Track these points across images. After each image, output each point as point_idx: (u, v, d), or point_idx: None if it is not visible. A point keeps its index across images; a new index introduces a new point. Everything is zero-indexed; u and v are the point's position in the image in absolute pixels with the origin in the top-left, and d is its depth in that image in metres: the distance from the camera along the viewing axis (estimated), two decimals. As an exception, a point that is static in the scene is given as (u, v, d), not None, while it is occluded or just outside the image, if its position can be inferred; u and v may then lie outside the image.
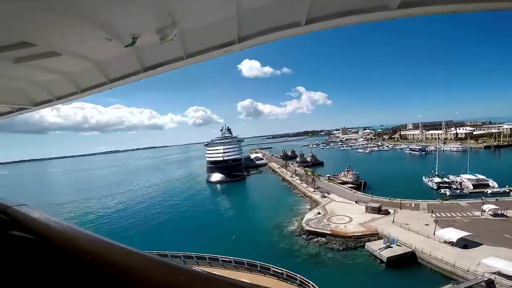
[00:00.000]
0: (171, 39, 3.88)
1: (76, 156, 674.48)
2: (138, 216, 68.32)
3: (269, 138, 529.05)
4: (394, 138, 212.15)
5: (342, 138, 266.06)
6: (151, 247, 30.92)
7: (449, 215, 45.72)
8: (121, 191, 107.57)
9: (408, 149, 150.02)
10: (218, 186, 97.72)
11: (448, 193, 58.72)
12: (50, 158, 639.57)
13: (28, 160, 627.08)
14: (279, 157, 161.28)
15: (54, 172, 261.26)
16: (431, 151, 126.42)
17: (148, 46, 4.64)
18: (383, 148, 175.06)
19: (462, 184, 65.29)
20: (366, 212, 50.31)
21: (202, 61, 5.15)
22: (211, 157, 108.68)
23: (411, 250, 35.03)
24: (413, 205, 52.22)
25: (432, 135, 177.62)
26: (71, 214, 75.52)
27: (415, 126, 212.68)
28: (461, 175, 69.23)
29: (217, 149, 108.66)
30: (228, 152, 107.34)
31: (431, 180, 69.54)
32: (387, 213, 48.83)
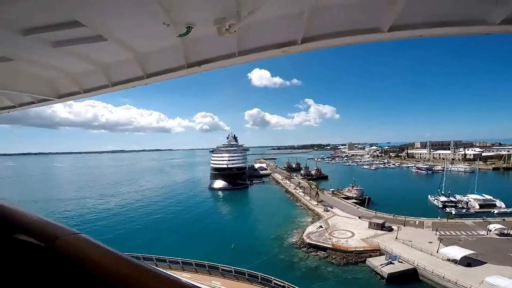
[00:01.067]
0: (234, 31, 3.62)
1: (83, 152, 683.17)
2: (138, 218, 68.14)
3: (274, 149, 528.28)
4: (401, 156, 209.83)
5: (348, 154, 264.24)
6: (149, 251, 30.63)
7: (453, 233, 45.19)
8: (124, 191, 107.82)
9: (414, 167, 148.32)
10: (220, 193, 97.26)
11: (453, 212, 58.15)
12: (57, 153, 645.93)
13: (36, 153, 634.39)
14: (283, 168, 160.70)
15: (59, 167, 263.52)
16: (438, 170, 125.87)
17: (198, 38, 4.38)
18: (389, 165, 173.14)
19: (469, 203, 64.73)
20: (369, 228, 49.62)
21: (255, 61, 4.79)
22: (215, 164, 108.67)
23: (413, 267, 34.56)
24: (417, 223, 51.47)
25: (440, 155, 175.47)
26: (71, 211, 75.55)
27: (423, 145, 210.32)
28: (468, 195, 68.49)
29: (222, 156, 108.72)
30: (233, 160, 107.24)
31: (436, 199, 68.96)
32: (390, 229, 48.06)
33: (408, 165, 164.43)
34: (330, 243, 43.95)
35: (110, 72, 5.70)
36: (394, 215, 55.96)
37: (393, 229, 47.85)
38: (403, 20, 3.53)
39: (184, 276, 23.45)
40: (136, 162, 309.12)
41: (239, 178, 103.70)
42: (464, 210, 60.11)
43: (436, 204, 67.06)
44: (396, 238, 43.03)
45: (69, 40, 4.07)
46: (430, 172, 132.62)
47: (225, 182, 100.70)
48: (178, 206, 79.20)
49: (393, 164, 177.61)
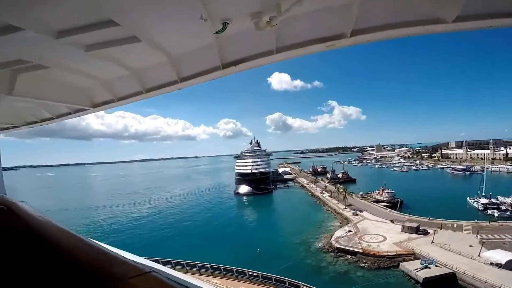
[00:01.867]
0: (276, 24, 3.43)
1: (115, 162, 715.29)
2: (168, 224, 69.56)
3: (298, 153, 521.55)
4: (434, 157, 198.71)
5: (377, 156, 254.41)
6: (179, 256, 31.17)
7: (497, 236, 42.02)
8: (153, 197, 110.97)
9: (450, 168, 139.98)
10: (245, 198, 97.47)
11: (496, 214, 54.61)
12: (92, 163, 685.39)
13: (73, 164, 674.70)
14: (308, 172, 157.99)
15: (94, 177, 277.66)
16: (477, 171, 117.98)
17: (234, 36, 4.19)
18: (422, 167, 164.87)
19: None
20: (402, 231, 47.42)
21: (295, 57, 4.59)
22: (239, 169, 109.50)
23: (451, 271, 32.50)
24: (455, 226, 48.38)
25: (478, 154, 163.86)
26: (105, 218, 78.74)
27: (458, 145, 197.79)
28: (512, 196, 63.39)
29: (245, 162, 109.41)
30: (257, 165, 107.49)
31: (476, 201, 64.83)
32: (425, 233, 45.56)
33: (443, 166, 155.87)
34: (360, 247, 42.34)
35: (144, 77, 5.62)
36: (429, 218, 53.18)
37: (428, 232, 45.33)
38: (472, 10, 3.14)
39: (213, 282, 23.70)
40: (164, 169, 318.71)
41: (263, 183, 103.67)
42: (508, 213, 55.93)
43: (476, 206, 63.29)
44: (432, 242, 40.67)
45: (102, 43, 3.99)
46: (468, 173, 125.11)
47: (249, 187, 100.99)
48: (205, 212, 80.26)
49: (426, 165, 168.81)
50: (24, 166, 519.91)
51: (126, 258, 1.03)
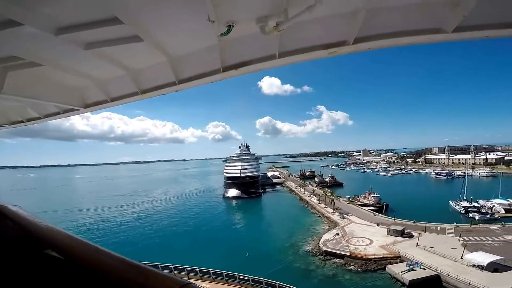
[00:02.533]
0: (283, 29, 3.38)
1: (101, 164, 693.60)
2: (154, 227, 68.55)
3: (286, 157, 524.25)
4: (418, 162, 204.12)
5: (363, 160, 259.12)
6: (166, 260, 30.78)
7: (478, 239, 43.36)
8: (140, 201, 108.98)
9: (433, 173, 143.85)
10: (234, 202, 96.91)
11: (477, 217, 56.17)
12: (76, 165, 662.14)
13: (55, 166, 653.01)
14: (297, 176, 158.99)
15: (78, 179, 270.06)
16: (459, 175, 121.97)
17: (236, 39, 4.12)
18: (407, 171, 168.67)
19: (493, 208, 62.39)
20: (388, 234, 48.10)
21: (297, 62, 4.52)
22: (228, 173, 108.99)
23: (436, 273, 33.19)
24: (439, 229, 49.59)
25: (459, 159, 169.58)
26: (90, 221, 76.85)
27: (441, 150, 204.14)
28: (492, 200, 65.93)
29: (235, 166, 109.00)
30: (246, 168, 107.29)
31: (458, 204, 66.65)
32: (410, 236, 46.42)
33: (427, 171, 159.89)
34: (348, 250, 42.76)
35: (140, 78, 5.48)
36: (414, 222, 54.27)
37: (413, 235, 46.22)
38: (472, 21, 3.31)
39: (203, 285, 23.46)
40: (151, 172, 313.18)
41: (252, 187, 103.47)
42: (488, 215, 57.80)
43: (458, 209, 64.95)
44: (417, 245, 41.55)
45: (103, 41, 3.87)
46: (450, 177, 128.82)
47: (238, 191, 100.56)
48: (194, 216, 79.32)
49: (410, 170, 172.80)
50: (3, 167, 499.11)
51: (155, 269, 0.99)
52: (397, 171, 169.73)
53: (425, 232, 47.83)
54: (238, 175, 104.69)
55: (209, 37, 4.03)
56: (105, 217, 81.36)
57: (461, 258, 35.46)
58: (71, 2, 3.07)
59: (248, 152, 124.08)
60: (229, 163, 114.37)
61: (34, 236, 1.21)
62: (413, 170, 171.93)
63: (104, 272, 0.96)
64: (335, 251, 43.41)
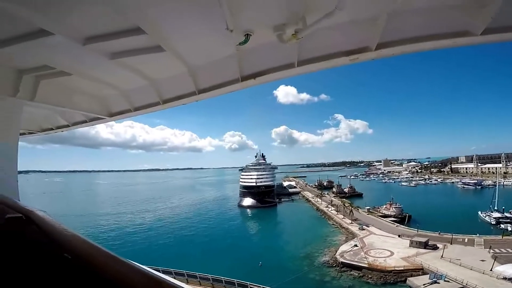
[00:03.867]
0: (302, 37, 3.38)
1: (122, 171, 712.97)
2: (169, 233, 68.73)
3: (303, 167, 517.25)
4: (444, 171, 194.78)
5: (384, 170, 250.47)
6: (180, 266, 30.45)
7: (510, 251, 40.17)
8: (157, 207, 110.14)
9: (460, 183, 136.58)
10: (249, 210, 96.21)
11: (510, 229, 52.74)
12: (99, 171, 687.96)
13: (80, 171, 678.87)
14: (314, 186, 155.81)
15: (101, 184, 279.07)
16: (489, 185, 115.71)
17: (254, 48, 4.19)
18: (431, 181, 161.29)
19: None
20: (410, 246, 45.91)
21: (317, 71, 4.49)
22: (244, 182, 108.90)
23: (461, 286, 30.84)
24: (466, 240, 46.54)
25: (489, 169, 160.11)
26: (109, 225, 78.07)
27: (469, 159, 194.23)
28: (527, 211, 61.59)
29: (250, 175, 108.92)
30: (261, 178, 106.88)
31: (489, 215, 62.91)
32: (435, 248, 43.89)
33: (453, 181, 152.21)
34: (366, 262, 40.85)
35: (162, 88, 5.68)
36: (439, 233, 51.50)
37: (438, 247, 43.69)
38: (501, 22, 3.07)
39: None
40: (169, 180, 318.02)
41: (267, 196, 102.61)
42: (522, 227, 53.93)
43: (489, 220, 61.45)
44: (442, 257, 39.07)
45: (127, 51, 4.03)
46: (479, 187, 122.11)
47: (253, 200, 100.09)
48: (209, 223, 79.25)
49: (435, 180, 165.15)
50: (34, 171, 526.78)
51: (171, 281, 1.03)
52: (420, 181, 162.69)
53: (451, 243, 45.21)
54: (254, 184, 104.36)
55: (227, 47, 4.12)
56: (124, 222, 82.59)
57: (491, 270, 33.13)
58: (97, 12, 3.17)
59: (264, 161, 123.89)
60: (245, 172, 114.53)
61: (56, 242, 1.28)
62: (438, 180, 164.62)
63: (119, 281, 0.98)
64: (352, 262, 41.67)
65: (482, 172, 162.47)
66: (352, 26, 3.69)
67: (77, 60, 4.38)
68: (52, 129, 8.52)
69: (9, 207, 2.27)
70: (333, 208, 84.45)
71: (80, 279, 1.01)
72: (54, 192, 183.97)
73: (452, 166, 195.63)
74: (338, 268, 41.42)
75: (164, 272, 22.39)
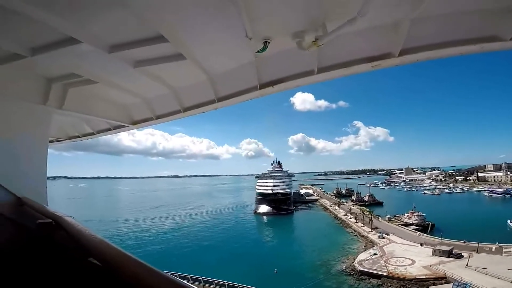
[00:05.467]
0: (322, 44, 3.36)
1: (143, 177, 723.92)
2: (186, 239, 69.41)
3: (321, 175, 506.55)
4: (470, 180, 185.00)
5: (406, 179, 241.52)
6: (197, 272, 30.91)
7: None
8: (175, 213, 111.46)
9: (488, 191, 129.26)
10: (265, 218, 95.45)
11: None
12: (121, 177, 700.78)
13: (103, 177, 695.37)
14: (332, 194, 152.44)
15: (123, 190, 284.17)
16: None
17: (273, 56, 4.23)
18: (456, 190, 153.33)
19: None
20: (433, 255, 44.04)
21: (337, 78, 4.45)
22: (260, 189, 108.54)
23: None
24: (493, 249, 44.13)
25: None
26: (129, 231, 79.56)
27: (497, 168, 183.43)
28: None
29: (267, 182, 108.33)
30: (278, 185, 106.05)
31: None
32: (459, 256, 41.84)
33: (480, 189, 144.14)
34: (386, 270, 39.50)
35: (182, 96, 5.80)
36: (464, 242, 49.11)
37: (462, 256, 41.60)
38: None
39: None
40: (188, 186, 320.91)
41: (284, 204, 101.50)
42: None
43: None
44: (467, 265, 37.22)
45: (151, 59, 4.17)
46: (509, 195, 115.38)
47: (269, 207, 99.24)
48: (225, 229, 79.42)
49: (460, 188, 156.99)
50: (60, 177, 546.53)
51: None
52: (444, 190, 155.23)
53: (477, 252, 43.03)
54: (270, 191, 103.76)
55: (246, 54, 4.17)
56: (143, 227, 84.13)
57: (520, 279, 31.03)
58: (122, 21, 3.32)
59: (280, 169, 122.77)
60: (261, 179, 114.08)
61: (82, 246, 1.30)
62: (464, 188, 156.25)
63: (137, 282, 0.98)
64: (371, 271, 40.48)
65: (511, 180, 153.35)
66: (374, 32, 3.64)
67: (103, 68, 4.52)
68: (78, 136, 8.75)
69: (39, 213, 2.64)
70: (351, 216, 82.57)
71: (106, 284, 1.03)
72: (78, 197, 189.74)
73: (479, 175, 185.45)
74: (356, 276, 40.25)
75: (181, 277, 22.90)
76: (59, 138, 9.05)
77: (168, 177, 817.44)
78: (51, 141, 8.96)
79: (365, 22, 3.21)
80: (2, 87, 4.24)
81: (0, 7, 2.81)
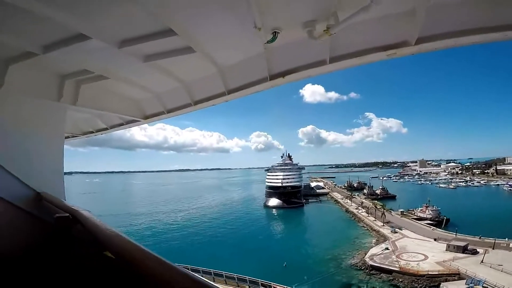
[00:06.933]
0: (334, 33, 3.30)
1: (155, 171, 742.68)
2: (197, 232, 70.40)
3: (332, 167, 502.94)
4: (488, 173, 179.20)
5: (420, 171, 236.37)
6: (207, 265, 31.27)
7: None
8: (187, 206, 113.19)
9: (507, 185, 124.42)
10: (275, 211, 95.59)
11: None
12: (134, 172, 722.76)
13: (117, 172, 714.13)
14: (343, 187, 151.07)
15: (136, 184, 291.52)
16: None
17: (283, 46, 4.17)
18: (473, 183, 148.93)
19: None
20: (447, 250, 43.21)
21: (350, 67, 4.40)
22: (270, 182, 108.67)
23: None
24: (511, 245, 42.59)
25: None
26: (142, 224, 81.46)
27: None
28: None
29: (276, 175, 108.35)
30: (288, 178, 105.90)
31: None
32: (474, 252, 40.91)
33: (498, 183, 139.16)
34: (398, 265, 39.03)
35: (193, 89, 5.86)
36: (480, 237, 47.79)
37: (478, 252, 40.65)
38: None
39: None
40: (198, 180, 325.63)
41: (294, 197, 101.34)
42: None
43: None
44: (482, 262, 36.25)
45: (160, 53, 4.21)
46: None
47: (279, 201, 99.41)
48: (235, 222, 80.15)
49: (477, 181, 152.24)
50: (76, 172, 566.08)
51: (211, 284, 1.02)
52: (461, 183, 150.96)
53: (493, 248, 41.81)
54: (280, 184, 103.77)
55: (255, 45, 4.14)
56: (157, 221, 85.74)
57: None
58: (130, 15, 3.34)
59: (290, 162, 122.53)
60: (271, 172, 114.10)
61: (98, 239, 1.36)
62: (481, 182, 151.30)
63: (159, 280, 0.99)
64: (382, 265, 40.05)
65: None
66: (388, 20, 3.51)
67: (113, 63, 4.57)
68: (92, 132, 8.96)
69: (57, 207, 2.72)
70: (363, 210, 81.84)
71: (121, 277, 1.05)
72: (94, 192, 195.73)
73: (498, 168, 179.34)
74: (366, 271, 39.96)
75: (192, 270, 23.30)
76: (74, 134, 9.26)
77: (179, 170, 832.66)
78: (66, 137, 9.20)
79: (379, 9, 3.08)
80: (18, 85, 4.34)
81: (11, 6, 2.82)
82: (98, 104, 5.96)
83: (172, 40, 3.63)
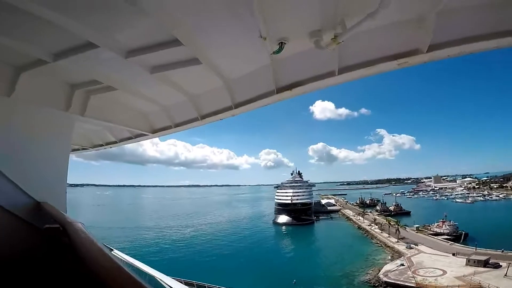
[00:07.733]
0: (342, 41, 3.24)
1: (165, 186, 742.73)
2: (205, 248, 68.96)
3: (343, 184, 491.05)
4: (506, 187, 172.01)
5: (435, 187, 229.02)
6: (214, 281, 30.36)
7: None
8: (196, 222, 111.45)
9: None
10: (284, 228, 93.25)
11: None
12: (144, 186, 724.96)
13: (128, 186, 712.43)
14: (355, 204, 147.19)
15: (146, 198, 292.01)
16: None
17: (289, 57, 4.14)
18: (491, 197, 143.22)
19: None
20: (467, 265, 41.04)
21: (360, 78, 4.26)
22: (280, 199, 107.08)
23: None
24: (536, 258, 39.50)
25: None
26: (151, 239, 79.84)
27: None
28: None
29: (286, 192, 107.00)
30: (298, 195, 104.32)
31: None
32: (496, 266, 38.65)
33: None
34: (414, 281, 37.08)
35: (199, 103, 5.81)
36: (502, 251, 45.45)
37: (500, 266, 38.27)
38: None
39: None
40: (208, 196, 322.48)
41: (304, 214, 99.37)
42: None
43: None
44: (506, 275, 34.20)
45: (166, 65, 4.22)
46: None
47: (289, 217, 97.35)
48: (244, 239, 78.40)
49: (496, 195, 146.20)
50: (88, 185, 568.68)
51: None
52: (478, 198, 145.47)
53: (517, 262, 38.98)
54: (289, 201, 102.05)
55: (261, 56, 4.07)
56: (165, 236, 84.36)
57: None
58: (136, 25, 3.35)
59: (300, 179, 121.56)
60: (281, 189, 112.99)
61: (80, 254, 1.32)
62: (500, 196, 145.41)
63: None
64: (397, 281, 38.17)
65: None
66: (398, 27, 3.41)
67: (121, 73, 4.55)
68: (102, 145, 8.93)
69: (52, 217, 2.73)
70: (376, 226, 79.19)
71: None
72: (104, 204, 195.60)
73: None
74: (380, 287, 37.89)
75: (186, 284, 22.46)
76: (84, 146, 9.22)
77: (189, 186, 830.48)
78: (77, 149, 9.37)
79: (387, 16, 3.01)
80: (28, 93, 4.32)
81: (25, 13, 2.82)
82: (106, 116, 5.91)
83: (178, 50, 3.58)
